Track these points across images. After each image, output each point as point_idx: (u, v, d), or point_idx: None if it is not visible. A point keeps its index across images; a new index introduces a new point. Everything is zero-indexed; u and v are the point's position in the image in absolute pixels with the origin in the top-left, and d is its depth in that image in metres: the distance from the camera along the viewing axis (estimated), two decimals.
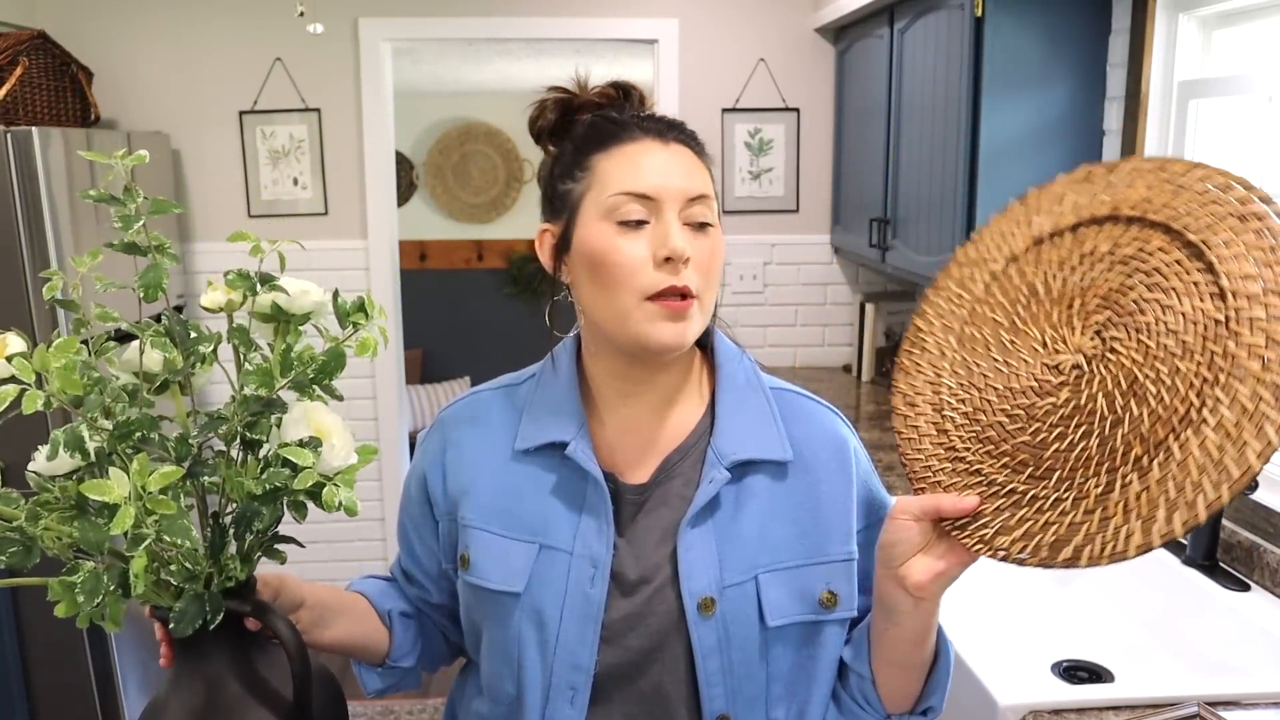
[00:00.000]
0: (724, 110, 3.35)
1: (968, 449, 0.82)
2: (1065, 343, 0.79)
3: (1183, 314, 0.72)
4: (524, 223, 6.09)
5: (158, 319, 0.83)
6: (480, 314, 6.15)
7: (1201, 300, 0.72)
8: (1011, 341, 0.82)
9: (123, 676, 2.62)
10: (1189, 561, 1.68)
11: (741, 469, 0.94)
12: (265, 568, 0.86)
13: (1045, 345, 0.80)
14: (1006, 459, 0.79)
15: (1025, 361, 0.81)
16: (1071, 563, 0.72)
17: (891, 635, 0.88)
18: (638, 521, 0.94)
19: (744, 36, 3.31)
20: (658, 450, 0.96)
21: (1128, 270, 0.77)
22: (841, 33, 3.23)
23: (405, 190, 5.94)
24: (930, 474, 0.83)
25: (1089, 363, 0.77)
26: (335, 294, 0.85)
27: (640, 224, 0.89)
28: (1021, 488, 0.77)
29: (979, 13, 2.10)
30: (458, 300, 6.12)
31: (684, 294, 0.88)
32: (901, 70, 2.62)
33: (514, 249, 6.09)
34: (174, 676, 0.83)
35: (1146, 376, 0.73)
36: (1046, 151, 2.17)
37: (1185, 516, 0.67)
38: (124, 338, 0.83)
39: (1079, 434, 0.75)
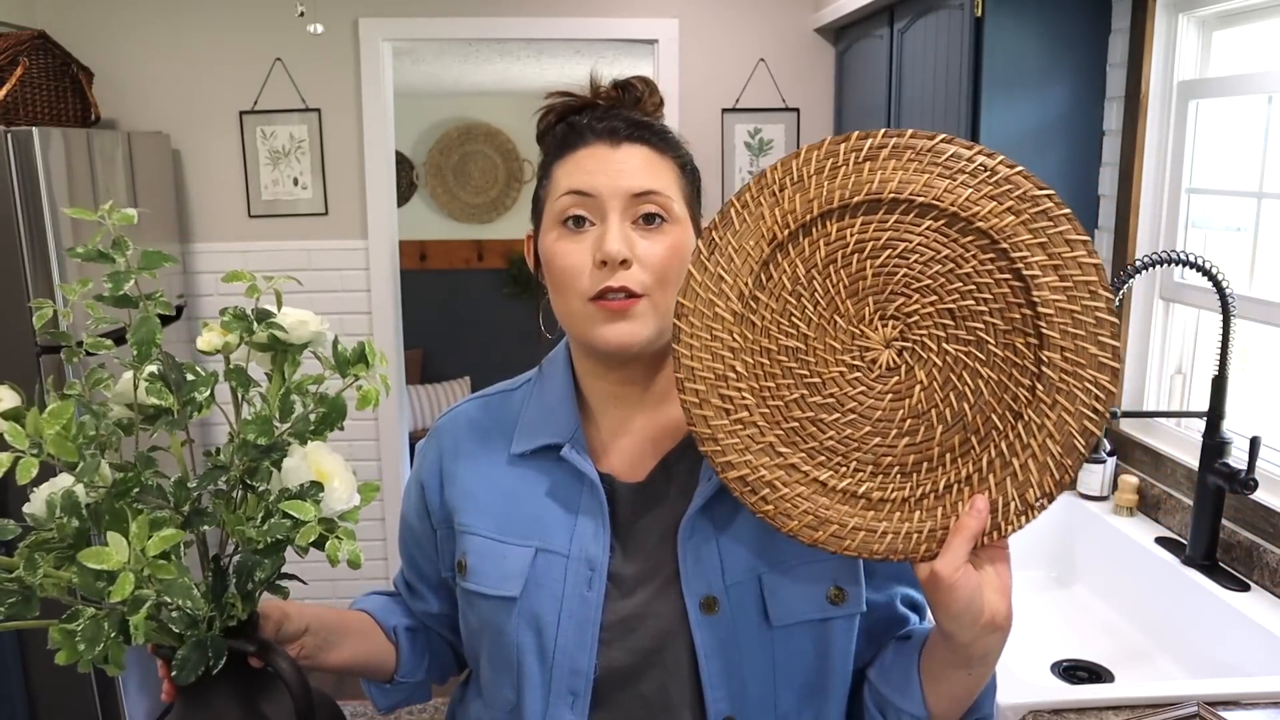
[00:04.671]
0: (724, 110, 3.35)
1: (844, 475, 0.79)
2: (867, 338, 0.77)
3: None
4: (524, 223, 6.04)
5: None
6: (480, 314, 6.15)
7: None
8: (815, 371, 0.78)
9: (123, 677, 2.62)
10: (1189, 561, 1.68)
11: None
12: (266, 598, 0.85)
13: (849, 349, 0.77)
14: (881, 468, 0.78)
15: (839, 371, 0.77)
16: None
17: (975, 677, 0.84)
18: (637, 522, 0.94)
19: (744, 36, 3.31)
20: (655, 449, 0.96)
21: (898, 254, 0.75)
22: (841, 33, 3.23)
23: (405, 190, 5.94)
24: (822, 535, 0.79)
25: (899, 355, 0.76)
26: (335, 341, 0.83)
27: (583, 226, 0.89)
28: (945, 479, 0.77)
29: (979, 13, 2.10)
30: (457, 300, 6.12)
31: (625, 293, 0.87)
32: (901, 70, 2.61)
33: (514, 249, 6.09)
34: (178, 711, 0.82)
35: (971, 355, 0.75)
36: (1046, 151, 2.17)
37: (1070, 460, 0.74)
38: (119, 339, 0.82)
39: (933, 419, 0.76)
